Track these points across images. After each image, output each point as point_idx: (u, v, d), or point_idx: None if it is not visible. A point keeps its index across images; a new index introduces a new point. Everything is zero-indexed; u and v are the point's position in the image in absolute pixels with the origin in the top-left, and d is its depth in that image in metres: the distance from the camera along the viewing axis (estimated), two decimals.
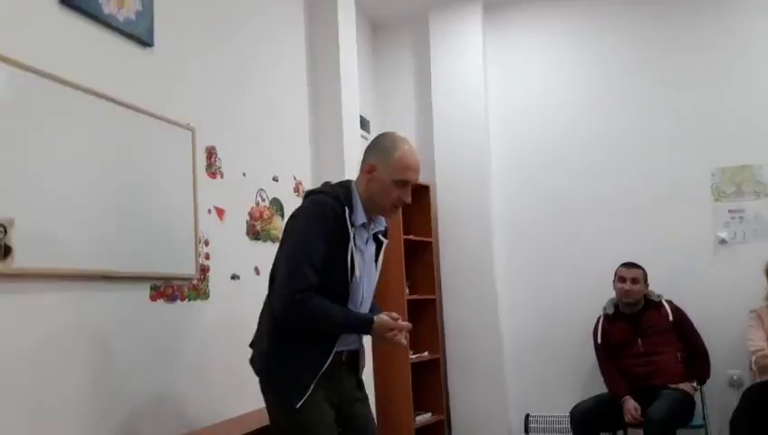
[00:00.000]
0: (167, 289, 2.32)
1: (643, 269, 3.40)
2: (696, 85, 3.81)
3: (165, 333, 2.30)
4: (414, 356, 3.79)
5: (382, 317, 1.97)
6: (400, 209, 2.13)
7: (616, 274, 3.44)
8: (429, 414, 3.86)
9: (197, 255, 2.48)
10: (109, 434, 2.02)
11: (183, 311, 2.39)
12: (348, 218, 1.93)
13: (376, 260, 2.12)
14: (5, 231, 1.72)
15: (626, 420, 3.11)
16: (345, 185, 2.05)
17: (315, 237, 1.89)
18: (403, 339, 1.99)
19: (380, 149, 2.03)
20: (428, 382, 3.98)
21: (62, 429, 1.87)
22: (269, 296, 1.99)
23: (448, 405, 4.07)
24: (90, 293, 1.99)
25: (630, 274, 3.37)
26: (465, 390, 4.03)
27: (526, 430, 3.80)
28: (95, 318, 2.01)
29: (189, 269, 2.44)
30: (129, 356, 2.12)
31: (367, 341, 2.16)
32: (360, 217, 1.99)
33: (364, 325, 1.96)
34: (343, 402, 2.00)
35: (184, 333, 2.37)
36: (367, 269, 2.05)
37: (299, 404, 1.84)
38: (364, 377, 3.28)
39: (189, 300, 2.43)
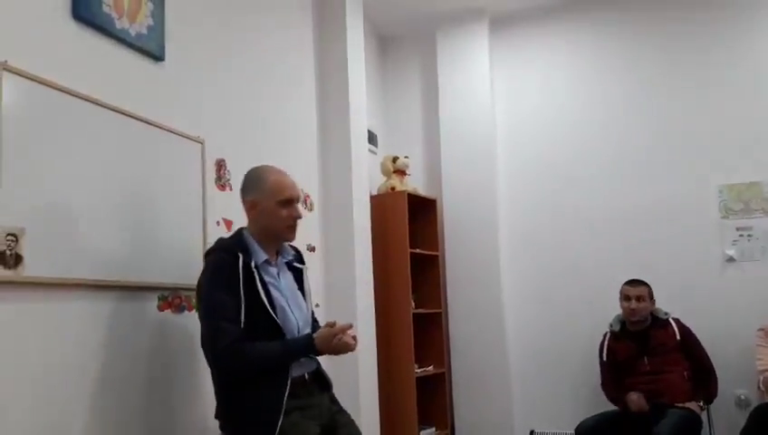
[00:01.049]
0: (174, 300, 2.34)
1: (648, 286, 3.37)
2: (705, 101, 3.82)
3: (172, 344, 2.31)
4: (419, 370, 3.79)
5: (321, 330, 2.01)
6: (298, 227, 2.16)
7: (621, 292, 3.40)
8: (434, 429, 3.85)
9: None
10: None
11: (190, 322, 2.40)
12: (242, 263, 1.97)
13: (302, 288, 2.17)
14: (17, 240, 1.75)
15: (632, 409, 3.11)
16: (237, 233, 2.13)
17: (220, 293, 1.94)
18: (350, 339, 2.01)
19: (253, 185, 2.12)
20: (434, 397, 3.96)
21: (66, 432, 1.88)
22: (209, 364, 2.04)
23: (453, 420, 4.05)
24: (98, 302, 2.01)
25: (635, 292, 3.33)
26: (470, 404, 4.02)
27: None
28: (103, 327, 2.03)
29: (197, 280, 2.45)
30: (136, 366, 2.14)
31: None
32: (260, 256, 2.04)
33: (306, 346, 2.00)
34: (323, 416, 2.04)
35: (191, 343, 2.37)
36: (292, 299, 2.10)
37: None
38: (367, 392, 3.31)
39: (197, 311, 2.43)
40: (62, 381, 1.87)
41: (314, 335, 2.00)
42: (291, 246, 2.26)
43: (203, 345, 2.05)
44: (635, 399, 3.12)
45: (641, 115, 3.96)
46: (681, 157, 3.84)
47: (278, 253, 2.16)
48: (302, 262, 2.26)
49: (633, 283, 3.38)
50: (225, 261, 1.98)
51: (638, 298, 3.31)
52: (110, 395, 2.03)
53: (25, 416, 1.76)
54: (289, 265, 2.20)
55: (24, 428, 1.76)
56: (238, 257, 1.98)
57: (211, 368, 2.05)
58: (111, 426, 2.03)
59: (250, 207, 2.11)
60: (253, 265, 2.00)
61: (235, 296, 1.94)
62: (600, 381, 3.43)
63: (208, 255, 2.09)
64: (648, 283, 3.39)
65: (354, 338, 2.04)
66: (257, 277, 1.99)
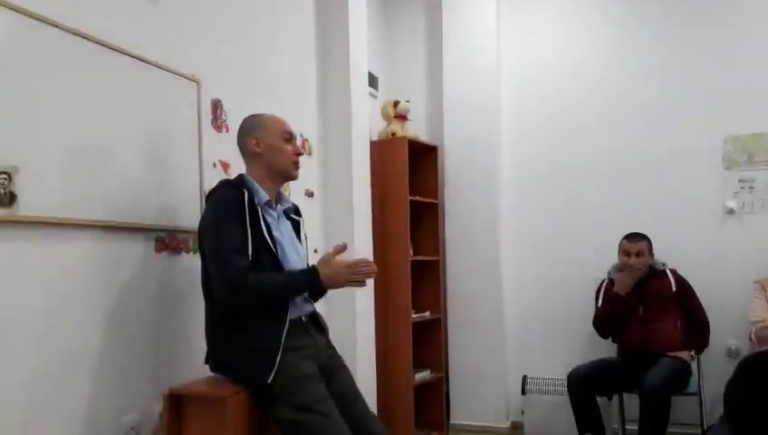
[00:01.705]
0: (171, 241, 2.34)
1: (648, 240, 3.36)
2: (713, 51, 3.73)
3: (169, 285, 2.32)
4: (416, 315, 3.84)
5: (322, 257, 2.02)
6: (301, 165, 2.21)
7: (620, 246, 3.39)
8: (429, 371, 3.93)
9: (202, 208, 2.48)
10: (109, 381, 2.06)
11: (187, 263, 2.41)
12: (247, 199, 1.98)
13: (299, 237, 2.19)
14: (10, 178, 1.73)
15: (629, 263, 3.28)
16: (239, 176, 2.13)
17: (229, 227, 1.93)
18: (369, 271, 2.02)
19: (250, 126, 2.14)
20: (429, 342, 4.04)
21: (62, 374, 1.91)
22: (206, 304, 2.05)
23: (447, 364, 4.14)
24: (94, 242, 2.01)
25: (635, 247, 3.32)
26: (464, 350, 4.09)
27: (523, 391, 3.86)
28: (101, 267, 2.03)
29: (194, 222, 2.43)
30: (132, 306, 2.15)
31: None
32: (262, 197, 2.06)
33: (310, 273, 1.99)
34: (320, 357, 2.08)
35: (187, 285, 2.39)
36: (290, 245, 2.11)
37: (270, 378, 1.89)
38: (364, 334, 3.35)
39: (194, 253, 2.44)
40: (55, 319, 1.88)
41: (316, 264, 2.01)
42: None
43: (204, 282, 2.05)
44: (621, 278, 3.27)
45: (647, 65, 3.88)
46: (687, 107, 3.77)
47: (277, 200, 2.17)
48: (299, 215, 2.28)
49: (633, 238, 3.35)
50: (231, 196, 1.98)
51: (638, 253, 3.31)
52: (105, 333, 2.05)
53: (30, 353, 1.78)
54: (286, 216, 2.21)
55: (29, 364, 1.78)
56: (244, 193, 1.99)
57: (208, 304, 2.05)
58: (104, 363, 2.05)
59: (254, 145, 2.10)
60: (256, 202, 2.02)
61: (241, 230, 1.94)
62: (593, 320, 3.46)
63: (212, 193, 2.07)
64: (647, 234, 3.39)
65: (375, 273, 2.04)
66: (260, 215, 2.00)
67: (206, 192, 2.47)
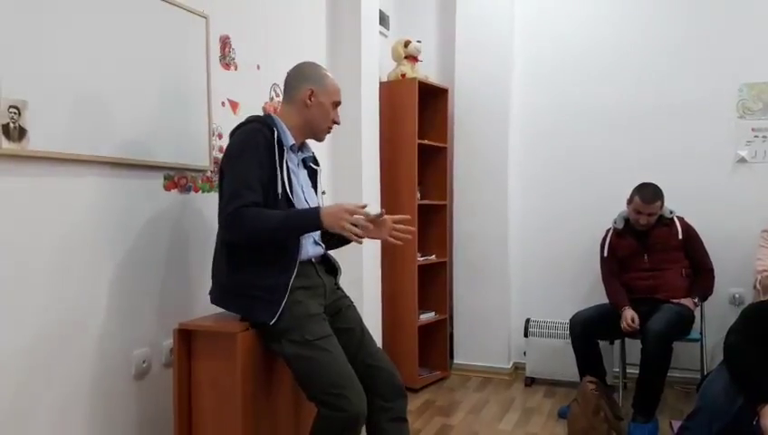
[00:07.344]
0: (180, 180, 2.34)
1: (662, 199, 3.27)
2: None
3: (178, 223, 2.34)
4: (422, 259, 3.87)
5: (329, 206, 1.98)
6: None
7: (633, 200, 3.29)
8: (433, 313, 3.99)
9: (211, 147, 2.48)
10: (120, 315, 2.10)
11: (196, 202, 2.42)
12: (276, 140, 1.96)
13: (314, 186, 2.18)
14: (19, 113, 1.72)
15: (622, 327, 3.16)
16: (268, 116, 2.09)
17: (249, 163, 1.91)
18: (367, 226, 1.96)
19: (312, 77, 2.09)
20: (434, 284, 4.08)
21: (74, 308, 1.94)
22: (217, 239, 2.04)
23: (452, 306, 4.20)
24: (104, 179, 2.01)
25: (648, 209, 3.23)
26: (469, 293, 4.14)
27: (526, 333, 3.92)
28: (110, 204, 2.04)
29: (203, 161, 2.44)
30: (142, 243, 2.17)
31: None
32: (289, 140, 2.03)
33: (311, 213, 1.92)
34: (328, 297, 2.10)
35: (196, 223, 2.41)
36: (307, 192, 2.11)
37: (273, 320, 1.91)
38: (371, 276, 3.37)
39: (203, 192, 2.45)
40: (73, 254, 1.91)
41: (321, 208, 1.97)
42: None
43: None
44: (628, 319, 3.13)
45: (665, 10, 3.76)
46: (702, 53, 3.69)
47: (300, 147, 2.15)
48: (318, 164, 2.25)
49: (648, 198, 3.23)
50: (261, 132, 1.96)
51: (650, 214, 3.26)
52: (113, 270, 2.08)
53: (41, 288, 1.81)
54: (304, 164, 2.19)
55: (39, 298, 1.81)
56: (274, 132, 1.98)
57: (219, 239, 2.04)
58: (112, 300, 2.09)
59: (308, 96, 2.06)
60: (284, 143, 2.01)
61: (260, 167, 1.92)
62: (602, 280, 3.46)
63: (241, 126, 2.04)
64: (657, 182, 3.32)
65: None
66: (285, 158, 1.99)
67: (215, 131, 2.49)
